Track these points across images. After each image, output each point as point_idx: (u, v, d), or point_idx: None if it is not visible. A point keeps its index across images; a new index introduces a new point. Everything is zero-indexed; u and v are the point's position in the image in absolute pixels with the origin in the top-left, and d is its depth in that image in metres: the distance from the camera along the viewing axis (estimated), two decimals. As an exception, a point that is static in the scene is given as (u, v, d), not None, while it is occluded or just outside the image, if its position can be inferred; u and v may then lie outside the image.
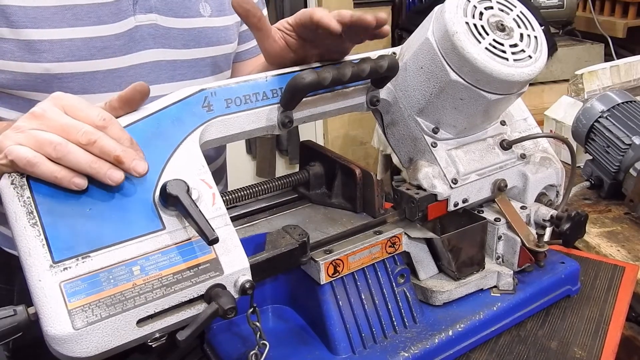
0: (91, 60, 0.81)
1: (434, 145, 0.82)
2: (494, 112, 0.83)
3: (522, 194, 0.88)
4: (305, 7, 2.90)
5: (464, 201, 0.82)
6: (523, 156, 0.87)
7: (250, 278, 0.62)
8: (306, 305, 0.80)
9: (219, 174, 1.12)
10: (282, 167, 3.36)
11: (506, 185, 0.85)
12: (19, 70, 0.79)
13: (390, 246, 0.78)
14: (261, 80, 0.73)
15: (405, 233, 0.80)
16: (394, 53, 0.82)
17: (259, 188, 0.86)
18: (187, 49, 0.91)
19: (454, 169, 0.81)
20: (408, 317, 0.80)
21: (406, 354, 0.75)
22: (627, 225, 1.29)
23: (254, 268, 0.63)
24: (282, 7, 2.83)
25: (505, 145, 0.86)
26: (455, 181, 0.80)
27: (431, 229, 0.84)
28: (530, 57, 0.75)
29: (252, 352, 0.74)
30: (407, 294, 0.80)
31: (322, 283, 0.73)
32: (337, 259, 0.74)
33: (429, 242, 0.84)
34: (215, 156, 1.09)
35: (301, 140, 1.01)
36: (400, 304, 0.79)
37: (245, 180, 3.21)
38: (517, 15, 0.78)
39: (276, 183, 0.87)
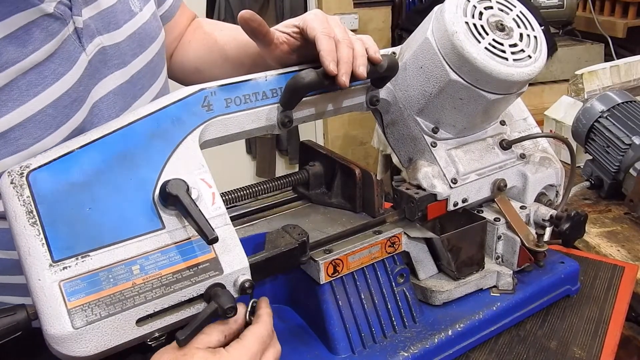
0: (69, 120, 0.71)
1: (434, 145, 0.82)
2: (494, 112, 0.83)
3: (522, 193, 0.88)
4: (305, 7, 2.90)
5: (464, 201, 0.82)
6: (523, 156, 0.87)
7: (249, 277, 0.62)
8: (306, 305, 0.80)
9: None
10: (282, 167, 3.36)
11: (505, 185, 0.85)
12: None
13: (389, 246, 0.78)
14: (261, 80, 0.73)
15: (405, 233, 0.80)
16: (394, 53, 0.82)
17: (259, 188, 0.86)
18: (136, 58, 0.83)
19: (453, 169, 0.81)
20: (407, 316, 0.80)
21: (406, 354, 0.75)
22: (627, 225, 1.29)
23: (253, 267, 0.63)
24: (282, 8, 2.83)
25: (505, 145, 0.86)
26: (454, 181, 0.80)
27: (431, 229, 0.84)
28: (529, 56, 0.75)
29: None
30: (407, 293, 0.80)
31: (321, 283, 0.74)
32: (336, 259, 0.74)
33: (428, 242, 0.84)
34: None
35: (301, 140, 1.01)
36: (399, 303, 0.79)
37: (245, 180, 3.21)
38: (517, 15, 0.78)
39: (276, 183, 0.87)
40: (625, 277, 0.97)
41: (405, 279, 0.81)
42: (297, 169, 0.91)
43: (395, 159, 2.77)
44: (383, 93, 0.82)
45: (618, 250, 1.18)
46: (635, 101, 1.43)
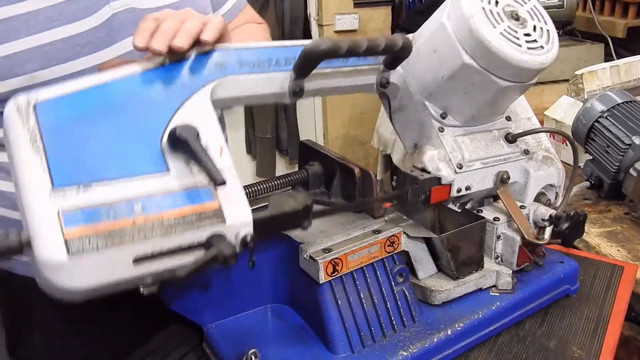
0: (77, 59, 0.80)
1: (441, 130, 0.82)
2: (502, 103, 0.83)
3: (523, 190, 0.88)
4: (305, 7, 2.90)
5: (467, 188, 0.82)
6: (526, 152, 0.88)
7: (252, 232, 0.60)
8: (305, 304, 0.80)
9: None
10: (282, 167, 3.36)
11: (509, 178, 0.85)
12: (4, 90, 0.76)
13: (389, 245, 0.79)
14: (276, 47, 0.73)
15: (405, 232, 0.80)
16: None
17: (258, 187, 0.86)
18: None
19: (459, 154, 0.81)
20: (407, 316, 0.80)
21: (405, 353, 0.75)
22: (627, 225, 1.29)
23: (256, 224, 0.61)
24: (282, 8, 2.83)
25: (510, 139, 0.87)
26: (460, 166, 0.81)
27: (430, 229, 0.84)
28: (542, 47, 0.77)
29: (251, 351, 0.74)
30: (406, 293, 0.80)
31: (321, 282, 0.74)
32: (336, 258, 0.74)
33: (428, 242, 0.84)
34: None
35: (301, 140, 1.01)
36: (399, 303, 0.79)
37: (245, 180, 3.20)
38: (531, 9, 0.79)
39: (275, 182, 0.87)
40: (624, 276, 0.97)
41: (405, 278, 0.81)
42: (297, 169, 0.91)
43: (395, 158, 2.77)
44: (394, 77, 0.81)
45: (618, 250, 1.18)
46: (635, 101, 1.43)
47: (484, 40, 0.73)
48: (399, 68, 0.80)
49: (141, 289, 0.58)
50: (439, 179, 0.80)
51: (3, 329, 1.03)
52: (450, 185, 0.80)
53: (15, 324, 1.00)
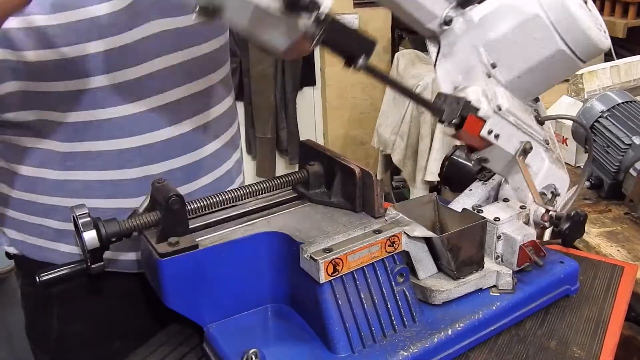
0: (101, 39, 0.81)
1: (488, 76, 0.83)
2: (547, 73, 0.85)
3: (533, 176, 0.89)
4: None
5: (496, 136, 0.83)
6: (547, 142, 0.89)
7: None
8: (306, 304, 0.80)
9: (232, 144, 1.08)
10: (282, 167, 3.36)
11: (531, 148, 0.86)
12: (35, 60, 0.78)
13: (389, 245, 0.79)
14: None
15: (405, 232, 0.80)
16: None
17: (258, 187, 0.86)
18: (186, 15, 0.90)
19: (499, 101, 0.82)
20: (407, 316, 0.80)
21: (405, 353, 0.75)
22: (627, 225, 1.29)
23: None
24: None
25: (539, 119, 0.88)
26: (499, 108, 0.82)
27: (431, 228, 0.84)
28: (605, 32, 0.81)
29: (251, 351, 0.74)
30: (407, 293, 0.80)
31: (321, 282, 0.73)
32: (336, 258, 0.74)
33: (428, 242, 0.84)
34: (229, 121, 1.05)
35: (301, 140, 1.01)
36: (399, 303, 0.79)
37: (246, 180, 3.20)
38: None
39: (275, 182, 0.88)
40: (624, 277, 0.97)
41: (405, 278, 0.81)
42: (297, 169, 0.91)
43: (395, 158, 2.77)
44: (456, 19, 0.82)
45: (618, 250, 1.18)
46: (635, 101, 1.43)
47: (570, 8, 0.77)
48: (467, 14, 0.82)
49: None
50: (477, 109, 0.80)
51: (23, 312, 1.05)
52: (484, 122, 0.81)
53: (34, 308, 1.02)
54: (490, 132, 0.82)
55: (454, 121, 0.79)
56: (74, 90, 0.83)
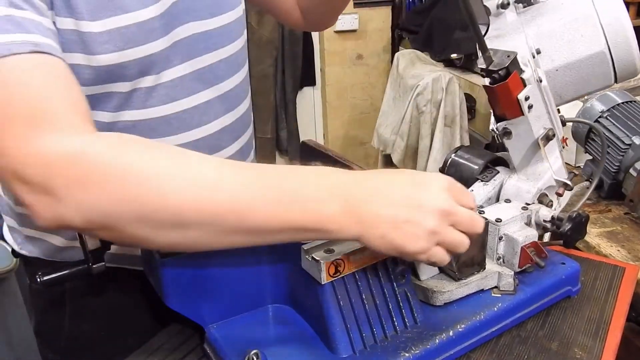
0: (145, 44, 0.83)
1: (533, 56, 0.86)
2: (584, 74, 0.88)
3: (545, 172, 0.91)
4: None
5: (529, 107, 0.84)
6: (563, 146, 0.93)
7: None
8: (307, 305, 0.80)
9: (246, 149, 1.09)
10: (282, 167, 3.35)
11: (554, 135, 0.88)
12: (85, 63, 0.79)
13: (391, 246, 0.78)
14: None
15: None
16: None
17: (260, 188, 0.86)
18: (213, 18, 0.93)
19: (541, 75, 0.85)
20: (409, 317, 0.79)
21: (407, 354, 0.75)
22: (627, 225, 1.29)
23: None
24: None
25: (562, 119, 0.91)
26: (540, 81, 0.85)
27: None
28: None
29: (252, 352, 0.74)
30: (408, 294, 0.80)
31: (323, 283, 0.73)
32: (338, 259, 0.74)
33: None
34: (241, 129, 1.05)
35: (301, 140, 1.01)
36: (401, 304, 0.79)
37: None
38: None
39: (277, 183, 0.87)
40: (625, 277, 0.97)
41: (407, 279, 0.80)
42: (297, 169, 0.91)
43: (395, 158, 2.77)
44: (510, 15, 0.86)
45: (618, 250, 1.18)
46: (635, 101, 1.43)
47: (622, 17, 0.82)
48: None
49: None
50: (523, 71, 0.82)
51: (27, 312, 1.05)
52: (524, 86, 0.83)
53: (45, 307, 1.02)
54: (527, 99, 0.83)
55: (500, 72, 0.81)
56: (115, 92, 0.84)
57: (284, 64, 3.22)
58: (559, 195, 0.89)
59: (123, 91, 0.84)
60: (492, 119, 0.90)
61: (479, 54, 0.83)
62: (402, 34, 3.22)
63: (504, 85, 0.82)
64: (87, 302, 0.99)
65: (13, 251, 1.02)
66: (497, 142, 0.91)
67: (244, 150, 1.06)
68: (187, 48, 0.89)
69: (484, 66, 0.83)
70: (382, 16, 3.21)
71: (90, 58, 0.78)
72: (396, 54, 2.95)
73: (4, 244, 1.03)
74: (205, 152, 0.95)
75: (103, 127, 0.85)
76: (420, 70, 2.66)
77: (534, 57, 0.86)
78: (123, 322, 0.99)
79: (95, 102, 0.83)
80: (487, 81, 0.84)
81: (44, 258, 0.97)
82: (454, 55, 2.65)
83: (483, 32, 0.88)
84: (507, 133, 0.87)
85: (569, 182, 0.88)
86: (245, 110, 1.05)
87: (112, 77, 0.82)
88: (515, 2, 0.86)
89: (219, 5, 0.94)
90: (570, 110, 1.64)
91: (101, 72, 0.81)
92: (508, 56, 0.81)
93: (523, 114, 0.84)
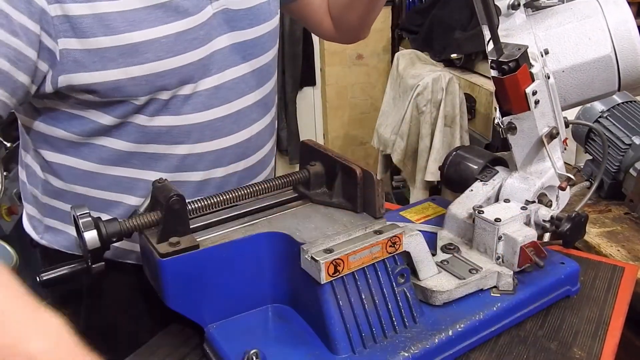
0: (184, 53, 0.86)
1: (542, 55, 0.87)
2: (589, 78, 0.88)
3: (546, 171, 0.91)
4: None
5: (536, 102, 0.85)
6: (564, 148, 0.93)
7: None
8: (306, 304, 0.80)
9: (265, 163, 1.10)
10: (282, 167, 3.36)
11: (557, 134, 0.88)
12: (123, 77, 0.82)
13: (390, 246, 0.78)
14: None
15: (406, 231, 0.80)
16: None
17: (259, 187, 0.86)
18: (251, 28, 0.96)
19: (549, 72, 0.86)
20: (408, 316, 0.80)
21: (406, 354, 0.75)
22: (627, 225, 1.29)
23: None
24: (282, 7, 2.83)
25: (566, 121, 0.92)
26: (548, 77, 0.85)
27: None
28: None
29: (252, 352, 0.74)
30: (407, 293, 0.80)
31: (322, 283, 0.73)
32: (337, 259, 0.74)
33: None
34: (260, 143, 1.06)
35: (301, 140, 1.01)
36: (400, 303, 0.79)
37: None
38: None
39: (276, 182, 0.87)
40: (625, 277, 0.97)
41: (406, 279, 0.81)
42: (297, 169, 0.91)
43: (395, 158, 2.78)
44: (518, 17, 0.86)
45: (618, 250, 1.18)
46: (635, 101, 1.43)
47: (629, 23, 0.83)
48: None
49: None
50: (532, 66, 0.83)
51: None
52: (532, 80, 0.83)
53: (61, 302, 1.03)
54: (534, 94, 0.84)
55: (510, 64, 0.82)
56: (155, 98, 0.87)
57: (284, 64, 3.22)
58: (562, 189, 0.89)
59: (164, 98, 0.87)
60: (497, 113, 0.90)
61: (489, 47, 0.84)
62: (402, 34, 3.22)
63: (513, 77, 0.82)
64: (86, 303, 0.99)
65: (31, 241, 1.03)
66: (502, 137, 0.91)
67: (273, 151, 1.10)
68: (224, 58, 0.92)
69: (494, 57, 0.84)
70: (382, 16, 3.21)
71: (131, 69, 0.81)
72: (396, 54, 2.94)
73: (4, 244, 1.03)
74: (238, 157, 0.99)
75: (138, 129, 0.88)
76: (420, 70, 2.66)
77: (542, 56, 0.86)
78: (123, 322, 0.99)
79: (137, 107, 0.86)
80: (495, 73, 0.85)
81: (62, 250, 0.98)
82: (454, 55, 2.65)
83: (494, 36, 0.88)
84: (511, 128, 0.88)
85: (572, 177, 0.88)
86: (275, 113, 1.09)
87: (153, 87, 0.85)
88: (525, 6, 0.87)
89: (256, 16, 0.97)
90: (571, 110, 1.64)
91: (141, 82, 0.83)
92: (519, 49, 0.82)
93: (529, 109, 0.84)
